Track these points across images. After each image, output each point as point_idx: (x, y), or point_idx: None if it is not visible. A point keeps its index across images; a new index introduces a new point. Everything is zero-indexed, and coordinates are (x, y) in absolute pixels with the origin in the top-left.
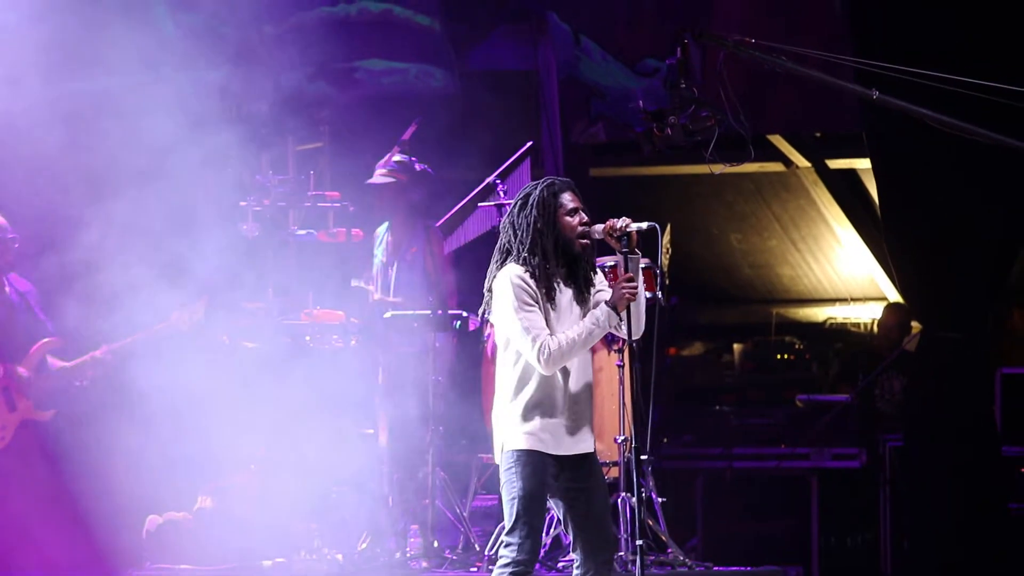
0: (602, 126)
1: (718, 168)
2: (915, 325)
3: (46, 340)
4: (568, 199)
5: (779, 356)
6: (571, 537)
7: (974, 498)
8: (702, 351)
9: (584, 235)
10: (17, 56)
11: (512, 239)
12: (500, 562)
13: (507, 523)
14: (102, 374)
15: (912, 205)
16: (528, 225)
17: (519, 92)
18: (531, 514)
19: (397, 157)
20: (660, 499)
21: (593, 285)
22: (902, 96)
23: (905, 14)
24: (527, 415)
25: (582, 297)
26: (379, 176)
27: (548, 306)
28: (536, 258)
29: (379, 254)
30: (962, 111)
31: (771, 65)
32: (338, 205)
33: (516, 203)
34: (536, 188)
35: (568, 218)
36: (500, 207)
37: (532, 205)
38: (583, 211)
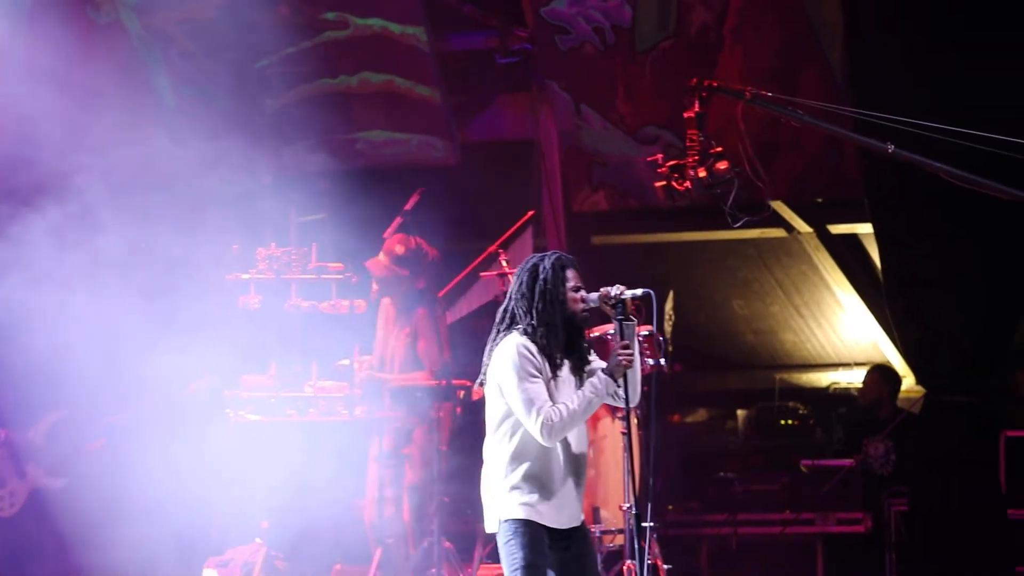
0: (603, 194)
1: (738, 223)
2: (910, 388)
3: (57, 410)
4: (572, 275)
5: (783, 422)
6: None
7: (980, 562)
8: (706, 418)
9: (584, 309)
10: (20, 130)
11: (520, 309)
12: None
13: None
14: (114, 442)
15: (914, 269)
16: (537, 296)
17: (520, 161)
18: None
19: (400, 248)
20: (666, 566)
21: (589, 357)
22: (901, 160)
23: (905, 80)
24: (524, 487)
25: (579, 368)
26: (383, 264)
27: (550, 377)
28: (544, 329)
29: (380, 333)
30: (971, 168)
31: (787, 118)
32: (341, 277)
33: (524, 273)
34: (545, 260)
35: (572, 293)
36: (502, 276)
37: (543, 278)
38: (583, 289)
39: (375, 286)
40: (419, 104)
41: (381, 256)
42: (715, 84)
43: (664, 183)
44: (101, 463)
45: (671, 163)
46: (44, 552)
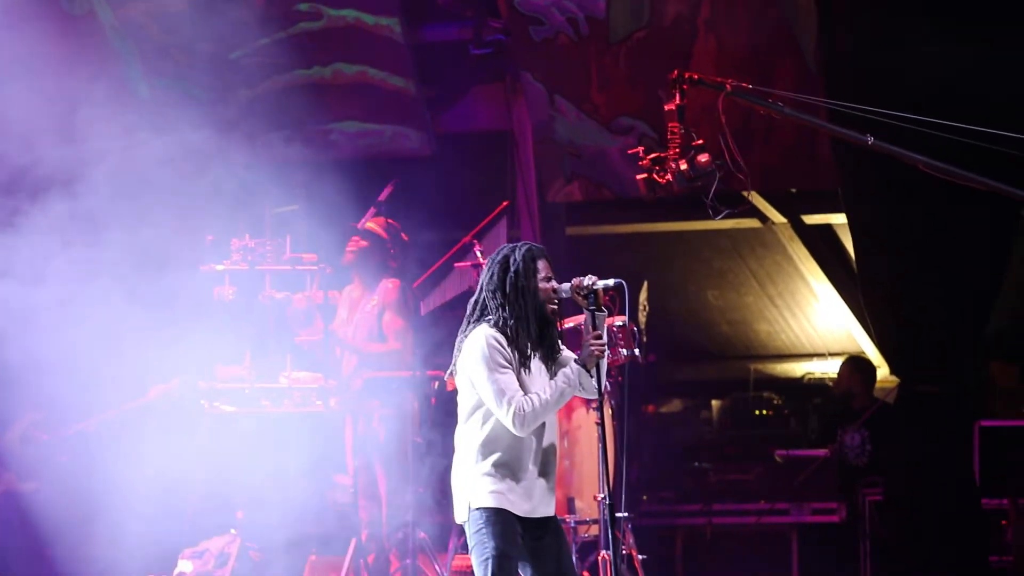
0: (577, 185)
1: (719, 216)
2: (884, 378)
3: (29, 414)
4: (543, 266)
5: (757, 412)
6: None
7: (954, 551)
8: (681, 408)
9: (555, 300)
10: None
11: (490, 300)
12: None
13: None
14: (85, 447)
15: (888, 259)
16: (509, 288)
17: (494, 152)
18: (505, 574)
19: (391, 220)
20: (640, 556)
21: (560, 348)
22: (880, 152)
23: (878, 70)
24: (496, 475)
25: (550, 358)
26: (381, 225)
27: (521, 368)
28: (514, 320)
29: (343, 314)
30: (946, 159)
31: (767, 110)
32: (315, 267)
33: (495, 264)
34: (516, 251)
35: (544, 284)
36: (477, 267)
37: (513, 269)
38: (553, 279)
39: (354, 248)
40: (393, 95)
41: (371, 224)
42: (696, 76)
43: (645, 176)
44: (75, 459)
45: (652, 156)
46: (20, 553)
